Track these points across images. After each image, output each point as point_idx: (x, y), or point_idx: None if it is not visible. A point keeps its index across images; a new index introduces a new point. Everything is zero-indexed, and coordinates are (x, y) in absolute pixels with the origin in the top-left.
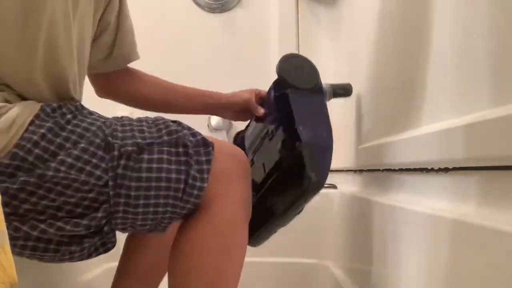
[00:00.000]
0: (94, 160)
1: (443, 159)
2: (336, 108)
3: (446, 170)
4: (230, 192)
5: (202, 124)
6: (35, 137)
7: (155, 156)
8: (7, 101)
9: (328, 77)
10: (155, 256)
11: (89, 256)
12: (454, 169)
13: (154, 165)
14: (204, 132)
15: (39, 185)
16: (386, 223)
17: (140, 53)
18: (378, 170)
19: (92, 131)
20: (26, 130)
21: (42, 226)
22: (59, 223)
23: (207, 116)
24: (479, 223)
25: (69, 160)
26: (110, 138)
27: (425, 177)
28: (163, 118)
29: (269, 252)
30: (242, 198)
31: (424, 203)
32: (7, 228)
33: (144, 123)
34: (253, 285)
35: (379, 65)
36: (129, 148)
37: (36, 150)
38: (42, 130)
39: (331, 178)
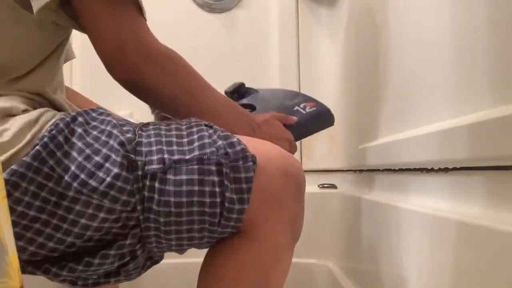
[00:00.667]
0: (119, 183)
1: (443, 159)
2: (336, 108)
3: (446, 170)
4: (278, 212)
5: None
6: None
7: (184, 177)
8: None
9: (328, 77)
10: None
11: (139, 273)
12: (454, 169)
13: (184, 188)
14: None
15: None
16: (386, 223)
17: None
18: (378, 170)
19: (110, 146)
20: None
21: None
22: (87, 259)
23: None
24: (480, 223)
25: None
26: (132, 156)
27: (425, 177)
28: (196, 122)
29: None
30: (292, 220)
31: (424, 203)
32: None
33: (174, 132)
34: None
35: (379, 64)
36: (154, 167)
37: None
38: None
39: (331, 178)
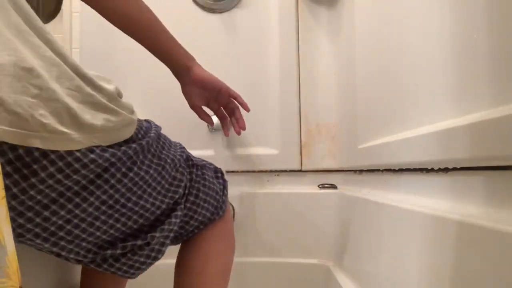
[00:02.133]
0: (182, 163)
1: (443, 159)
2: (336, 108)
3: (446, 170)
4: (228, 205)
5: (203, 124)
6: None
7: (209, 173)
8: None
9: (328, 77)
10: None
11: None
12: (454, 169)
13: (211, 179)
14: (204, 132)
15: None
16: (386, 223)
17: (140, 53)
18: (378, 170)
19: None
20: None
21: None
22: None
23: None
24: (480, 223)
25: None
26: (187, 152)
27: (425, 177)
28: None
29: (269, 252)
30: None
31: (424, 203)
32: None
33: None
34: (254, 285)
35: (379, 64)
36: (197, 164)
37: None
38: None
39: (331, 178)
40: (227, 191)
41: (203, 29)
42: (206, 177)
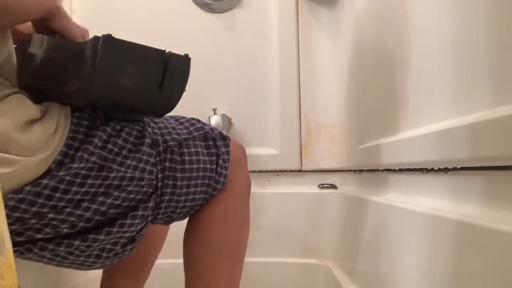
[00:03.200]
0: (145, 157)
1: (443, 159)
2: (336, 108)
3: (446, 170)
4: (240, 173)
5: None
6: (95, 140)
7: (193, 149)
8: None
9: (328, 77)
10: (144, 249)
11: (130, 251)
12: (454, 169)
13: (194, 158)
14: None
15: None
16: (386, 223)
17: None
18: (378, 170)
19: (137, 129)
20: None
21: (107, 229)
22: (120, 221)
23: (207, 115)
24: (480, 223)
25: (128, 161)
26: (154, 136)
27: (425, 177)
28: (183, 117)
29: (269, 252)
30: (248, 178)
31: (424, 203)
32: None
33: (171, 121)
34: (254, 285)
35: (379, 64)
36: (171, 143)
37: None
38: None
39: (331, 178)
40: (224, 159)
41: (203, 29)
42: (186, 158)
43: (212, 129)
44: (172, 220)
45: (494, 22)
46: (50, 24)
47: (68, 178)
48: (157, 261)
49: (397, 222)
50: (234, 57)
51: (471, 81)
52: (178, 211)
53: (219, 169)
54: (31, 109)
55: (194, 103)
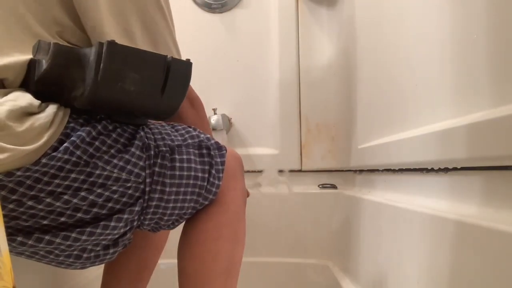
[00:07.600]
0: (133, 159)
1: (443, 159)
2: (336, 108)
3: (446, 170)
4: (235, 186)
5: None
6: (83, 134)
7: (185, 156)
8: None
9: (328, 77)
10: (144, 256)
11: (114, 254)
12: (454, 169)
13: (185, 165)
14: None
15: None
16: (386, 223)
17: None
18: (378, 170)
19: (129, 132)
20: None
21: (89, 229)
22: (104, 222)
23: (207, 115)
24: (479, 223)
25: (115, 161)
26: (145, 139)
27: (425, 177)
28: (180, 124)
29: (269, 252)
30: (243, 191)
31: (424, 203)
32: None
33: (167, 127)
34: (253, 285)
35: (379, 65)
36: (163, 149)
37: (85, 147)
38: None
39: (331, 178)
40: (218, 170)
41: (203, 29)
42: (177, 164)
43: (209, 139)
44: (160, 228)
45: (494, 22)
46: None
47: (52, 171)
48: (159, 261)
49: (397, 222)
50: (234, 57)
51: (471, 81)
52: (166, 218)
53: (211, 179)
54: (30, 103)
55: None
